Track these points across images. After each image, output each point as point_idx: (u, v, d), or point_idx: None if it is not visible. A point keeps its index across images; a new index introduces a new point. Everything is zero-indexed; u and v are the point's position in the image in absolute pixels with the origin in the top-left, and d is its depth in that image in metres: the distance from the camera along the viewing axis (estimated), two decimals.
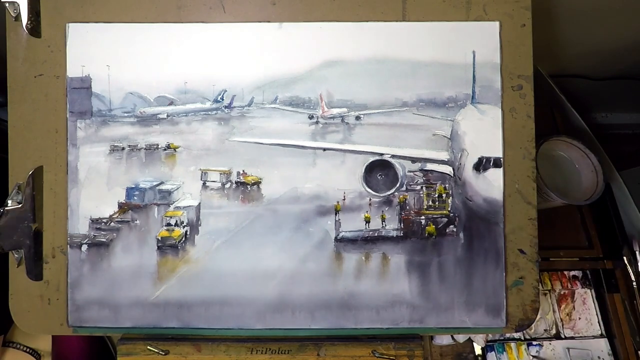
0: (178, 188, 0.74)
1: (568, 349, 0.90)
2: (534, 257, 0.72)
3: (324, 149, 0.75)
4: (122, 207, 0.73)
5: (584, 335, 0.92)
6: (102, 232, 0.72)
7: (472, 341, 0.89)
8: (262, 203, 0.73)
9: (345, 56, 0.74)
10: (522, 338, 0.91)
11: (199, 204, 0.74)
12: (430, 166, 0.74)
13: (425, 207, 0.74)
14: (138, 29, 0.73)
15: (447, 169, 0.74)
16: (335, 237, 0.73)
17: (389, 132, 0.74)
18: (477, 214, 0.73)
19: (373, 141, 0.75)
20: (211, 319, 0.72)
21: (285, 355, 0.72)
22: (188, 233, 0.73)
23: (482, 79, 0.73)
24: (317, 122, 0.75)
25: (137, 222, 0.73)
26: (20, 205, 0.71)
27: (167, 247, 0.72)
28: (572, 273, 0.97)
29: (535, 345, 0.90)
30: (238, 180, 0.74)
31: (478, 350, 0.89)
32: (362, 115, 0.74)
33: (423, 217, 0.74)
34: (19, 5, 0.72)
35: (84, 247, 0.72)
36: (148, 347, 0.72)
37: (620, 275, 0.95)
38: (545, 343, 0.90)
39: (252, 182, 0.74)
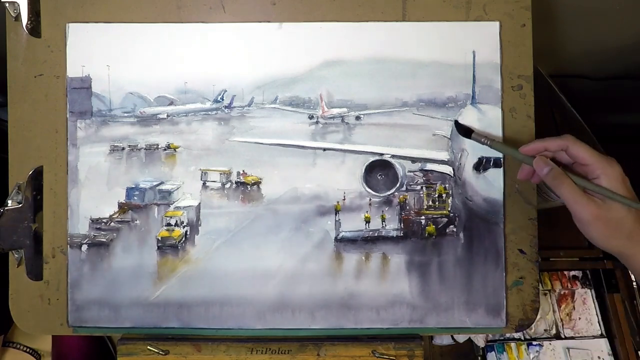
0: (178, 188, 0.74)
1: (568, 349, 0.90)
2: (534, 257, 0.72)
3: (324, 149, 0.75)
4: (122, 207, 0.73)
5: (584, 335, 0.92)
6: (102, 232, 0.72)
7: (472, 341, 0.89)
8: (262, 203, 0.73)
9: (345, 56, 0.74)
10: (522, 338, 0.91)
11: (199, 204, 0.74)
12: (430, 166, 0.74)
13: (425, 207, 0.74)
14: (138, 29, 0.73)
15: (447, 169, 0.74)
16: (335, 237, 0.73)
17: (389, 132, 0.74)
18: (477, 214, 0.73)
19: (373, 141, 0.75)
20: (211, 319, 0.72)
21: (285, 355, 0.72)
22: (188, 233, 0.73)
23: (482, 79, 0.73)
24: (317, 122, 0.75)
25: (137, 222, 0.73)
26: (20, 205, 0.71)
27: (167, 247, 0.73)
28: (572, 273, 0.97)
29: (535, 345, 0.90)
30: (238, 180, 0.74)
31: (478, 350, 0.89)
32: (362, 115, 0.74)
33: (423, 217, 0.74)
34: (19, 5, 0.72)
35: (84, 247, 0.72)
36: (148, 347, 0.71)
37: (620, 275, 0.95)
38: (545, 343, 0.90)
39: (252, 182, 0.74)
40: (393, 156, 0.74)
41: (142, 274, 0.72)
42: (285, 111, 0.74)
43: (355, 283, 0.72)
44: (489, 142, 0.66)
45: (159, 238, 0.73)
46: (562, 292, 0.95)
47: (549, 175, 0.57)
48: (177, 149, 0.74)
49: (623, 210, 0.54)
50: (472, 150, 0.72)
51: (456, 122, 0.71)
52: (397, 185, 0.74)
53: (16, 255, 0.72)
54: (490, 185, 0.72)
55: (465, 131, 0.69)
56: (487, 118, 0.73)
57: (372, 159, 0.74)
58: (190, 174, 0.74)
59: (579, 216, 0.55)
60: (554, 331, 0.92)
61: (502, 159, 0.72)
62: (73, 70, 0.73)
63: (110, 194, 0.73)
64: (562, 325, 0.92)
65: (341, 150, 0.75)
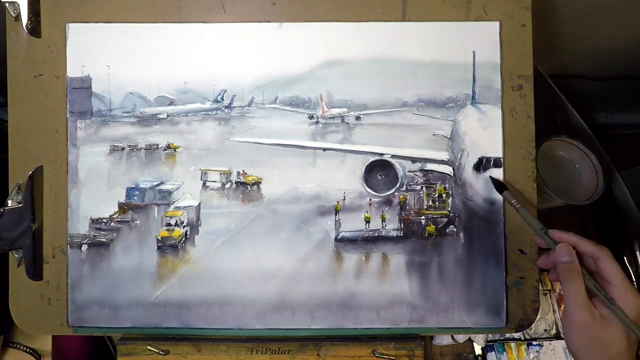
0: (178, 188, 0.74)
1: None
2: (534, 257, 0.72)
3: (324, 149, 0.75)
4: (122, 207, 0.73)
5: None
6: (102, 232, 0.72)
7: (472, 341, 0.89)
8: (262, 203, 0.73)
9: (345, 56, 0.74)
10: (522, 338, 0.91)
11: (199, 204, 0.74)
12: (430, 166, 0.74)
13: (425, 207, 0.74)
14: (138, 29, 0.73)
15: (447, 169, 0.74)
16: (335, 237, 0.73)
17: (389, 132, 0.74)
18: (477, 214, 0.73)
19: (373, 141, 0.75)
20: (211, 319, 0.72)
21: (285, 355, 0.72)
22: (188, 233, 0.73)
23: (482, 79, 0.73)
24: (317, 122, 0.75)
25: (137, 222, 0.73)
26: (20, 205, 0.71)
27: (167, 247, 0.73)
28: None
29: (535, 345, 0.90)
30: (238, 180, 0.74)
31: (478, 350, 0.89)
32: (362, 115, 0.74)
33: (423, 217, 0.74)
34: (19, 5, 0.72)
35: (84, 247, 0.72)
36: (148, 347, 0.72)
37: None
38: (545, 343, 0.90)
39: (252, 182, 0.74)
40: (393, 156, 0.74)
41: (142, 274, 0.72)
42: (285, 111, 0.74)
43: (355, 283, 0.72)
44: (517, 206, 0.66)
45: (159, 238, 0.73)
46: (562, 292, 0.95)
47: (565, 265, 0.57)
48: (177, 149, 0.74)
49: (619, 337, 0.53)
50: (472, 150, 0.73)
51: (492, 178, 0.70)
52: (397, 185, 0.74)
53: (16, 255, 0.72)
54: (490, 185, 0.72)
55: (498, 185, 0.69)
56: (487, 118, 0.73)
57: (372, 159, 0.74)
58: (190, 174, 0.74)
59: (569, 316, 0.55)
60: (554, 331, 0.92)
61: (502, 159, 0.72)
62: (73, 70, 0.73)
63: (110, 194, 0.73)
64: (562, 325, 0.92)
65: (341, 150, 0.75)
